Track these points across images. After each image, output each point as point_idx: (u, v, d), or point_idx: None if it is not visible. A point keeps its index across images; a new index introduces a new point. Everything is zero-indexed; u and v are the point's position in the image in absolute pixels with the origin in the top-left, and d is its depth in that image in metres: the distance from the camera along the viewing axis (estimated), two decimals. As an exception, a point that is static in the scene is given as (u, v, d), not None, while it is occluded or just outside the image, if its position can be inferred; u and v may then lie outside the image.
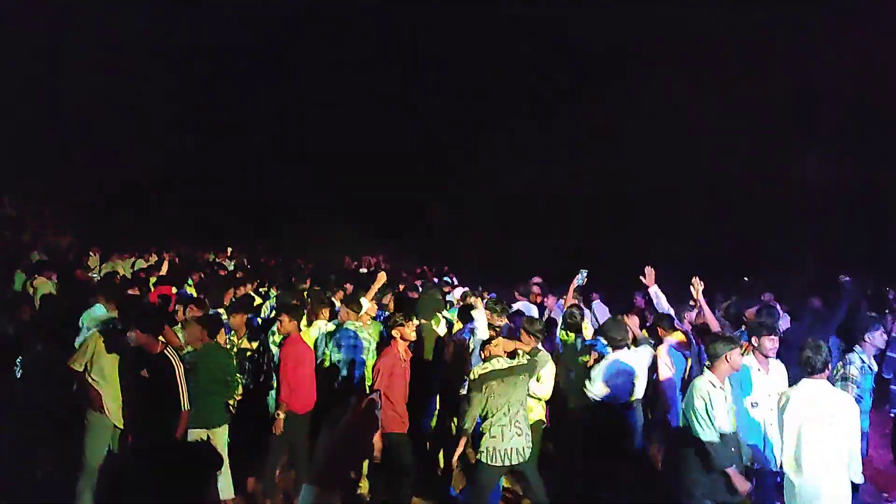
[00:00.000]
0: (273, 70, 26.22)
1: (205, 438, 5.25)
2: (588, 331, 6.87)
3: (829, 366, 4.32)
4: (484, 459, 4.83)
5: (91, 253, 14.86)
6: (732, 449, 4.40)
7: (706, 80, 15.80)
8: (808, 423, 4.14)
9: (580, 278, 7.79)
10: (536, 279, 9.08)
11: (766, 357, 5.12)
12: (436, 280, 11.88)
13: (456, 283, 12.27)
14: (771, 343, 5.09)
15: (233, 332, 6.57)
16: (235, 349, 6.38)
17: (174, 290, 8.91)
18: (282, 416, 5.59)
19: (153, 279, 9.83)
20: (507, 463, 4.81)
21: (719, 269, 13.88)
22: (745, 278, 12.76)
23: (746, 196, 15.79)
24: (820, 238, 14.83)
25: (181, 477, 2.09)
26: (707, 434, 4.32)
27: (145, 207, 23.11)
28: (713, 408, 4.33)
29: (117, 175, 22.78)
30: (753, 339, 5.21)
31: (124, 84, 22.71)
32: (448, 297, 9.23)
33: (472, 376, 4.98)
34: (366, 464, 5.73)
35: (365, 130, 24.93)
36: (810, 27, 14.72)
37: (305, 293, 8.04)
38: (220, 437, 5.53)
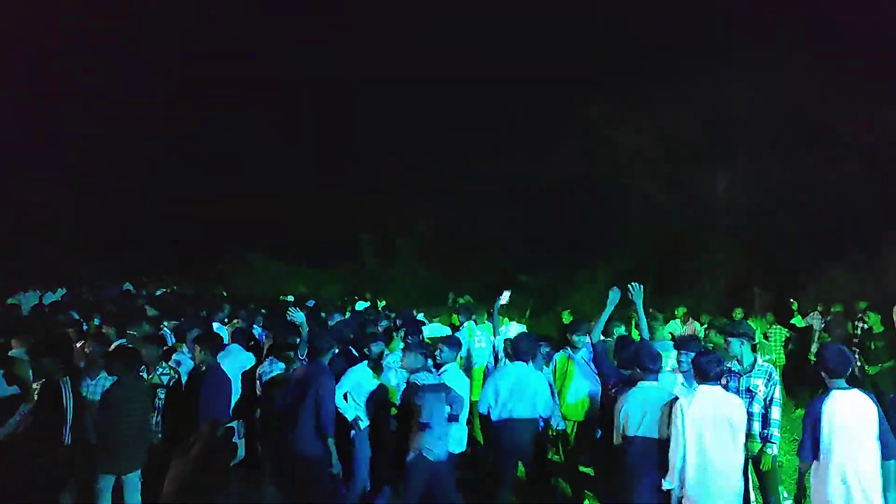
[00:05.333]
0: (203, 96, 25.85)
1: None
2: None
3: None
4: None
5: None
6: None
7: (630, 98, 16.19)
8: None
9: (503, 298, 7.56)
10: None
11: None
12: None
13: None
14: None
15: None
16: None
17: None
18: None
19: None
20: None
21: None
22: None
23: (663, 211, 16.13)
24: (733, 254, 15.37)
25: None
26: None
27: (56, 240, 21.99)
28: None
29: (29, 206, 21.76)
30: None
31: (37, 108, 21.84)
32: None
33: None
34: None
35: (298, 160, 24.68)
36: (732, 46, 15.28)
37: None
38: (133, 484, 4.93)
